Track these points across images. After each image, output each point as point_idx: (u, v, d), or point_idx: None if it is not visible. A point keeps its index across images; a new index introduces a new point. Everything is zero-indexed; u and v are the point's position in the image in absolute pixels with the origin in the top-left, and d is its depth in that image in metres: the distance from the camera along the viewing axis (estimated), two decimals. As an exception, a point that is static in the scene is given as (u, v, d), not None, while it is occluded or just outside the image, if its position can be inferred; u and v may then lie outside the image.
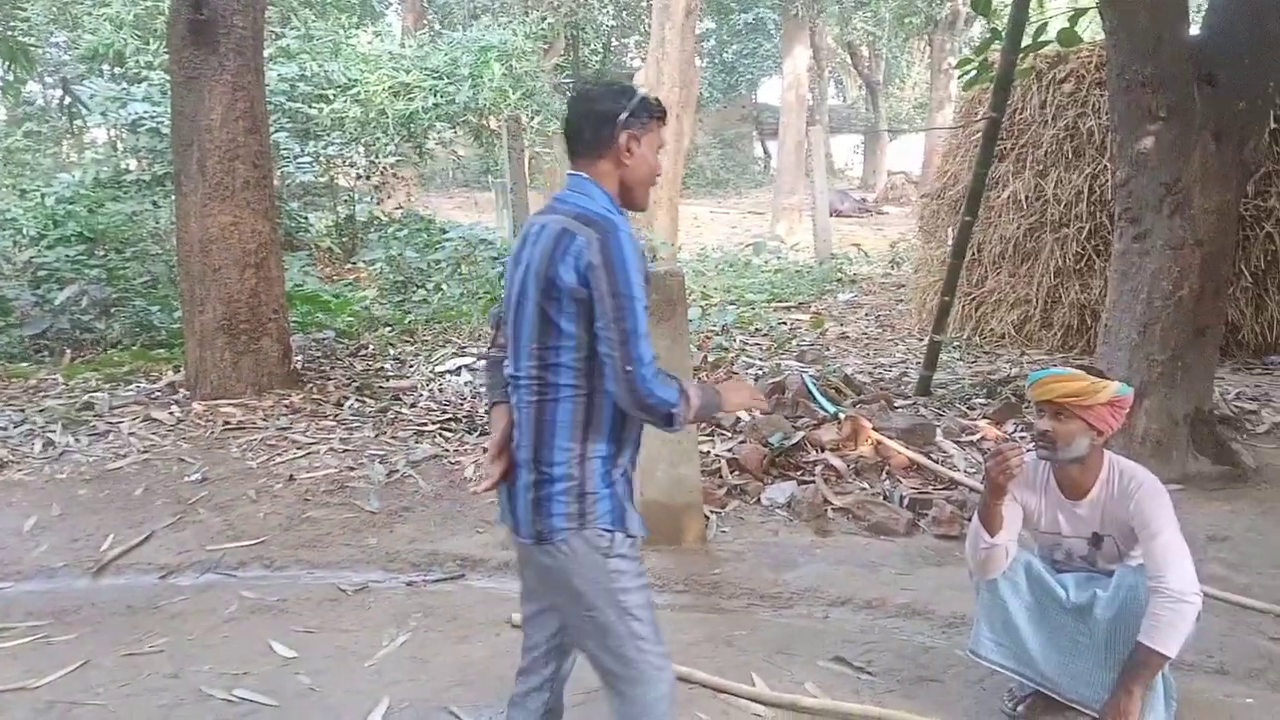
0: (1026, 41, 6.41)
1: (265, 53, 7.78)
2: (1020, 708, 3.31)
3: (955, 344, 8.94)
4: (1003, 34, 6.51)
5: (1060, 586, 3.16)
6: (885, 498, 5.27)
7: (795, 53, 23.59)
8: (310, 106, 13.53)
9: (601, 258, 2.22)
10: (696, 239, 19.78)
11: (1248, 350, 8.30)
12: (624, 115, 2.38)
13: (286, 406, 6.80)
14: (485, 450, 2.56)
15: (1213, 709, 3.35)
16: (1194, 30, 5.54)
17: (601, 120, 2.39)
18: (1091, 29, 7.08)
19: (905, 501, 5.19)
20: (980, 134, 7.17)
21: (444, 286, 10.96)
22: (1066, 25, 6.10)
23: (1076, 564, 3.24)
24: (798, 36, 23.78)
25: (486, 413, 2.55)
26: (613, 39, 30.78)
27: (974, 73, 6.57)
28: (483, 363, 8.06)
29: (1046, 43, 6.38)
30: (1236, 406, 6.87)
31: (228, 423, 6.46)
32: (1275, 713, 3.37)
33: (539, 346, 2.31)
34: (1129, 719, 2.90)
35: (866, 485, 5.42)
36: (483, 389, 2.61)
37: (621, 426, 2.36)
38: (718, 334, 9.44)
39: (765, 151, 38.58)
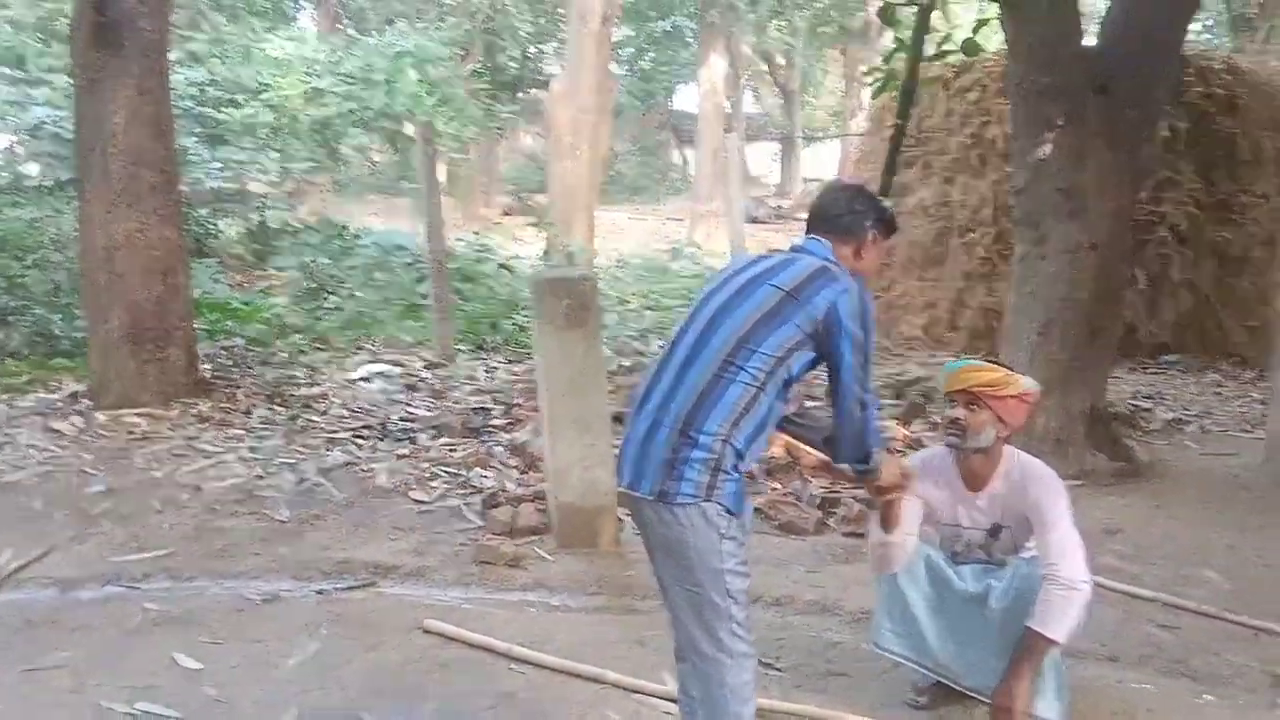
0: (932, 51, 6.57)
1: (173, 56, 7.63)
2: (923, 698, 3.39)
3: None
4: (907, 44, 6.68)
5: (957, 578, 3.25)
6: (796, 498, 5.35)
7: (712, 61, 23.82)
8: (220, 111, 13.28)
9: (860, 308, 2.53)
10: (615, 245, 19.81)
11: (1144, 351, 8.61)
12: (874, 217, 2.75)
13: (194, 416, 6.66)
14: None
15: (1105, 695, 3.47)
16: (1089, 41, 5.74)
17: (857, 214, 2.74)
18: (994, 39, 7.28)
19: (815, 501, 5.28)
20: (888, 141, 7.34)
21: (358, 293, 10.84)
22: (970, 35, 6.27)
23: (975, 555, 3.33)
24: (714, 45, 24.00)
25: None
26: (530, 46, 30.64)
27: (881, 81, 6.73)
28: (397, 369, 7.99)
29: (950, 52, 6.56)
30: (1132, 405, 7.13)
31: (132, 433, 6.31)
32: (1164, 697, 3.50)
33: (748, 332, 2.48)
34: (1017, 702, 3.00)
35: (778, 485, 5.50)
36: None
37: (758, 433, 2.51)
38: (635, 339, 9.49)
39: (684, 159, 38.77)
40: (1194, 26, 20.25)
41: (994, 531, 3.27)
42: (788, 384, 2.53)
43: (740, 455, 2.46)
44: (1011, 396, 3.12)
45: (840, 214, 2.73)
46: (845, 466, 2.73)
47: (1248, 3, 14.00)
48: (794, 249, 2.72)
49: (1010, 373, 3.18)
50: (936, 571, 3.27)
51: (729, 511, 2.45)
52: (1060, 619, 2.97)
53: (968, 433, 3.13)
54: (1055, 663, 3.15)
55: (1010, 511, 3.21)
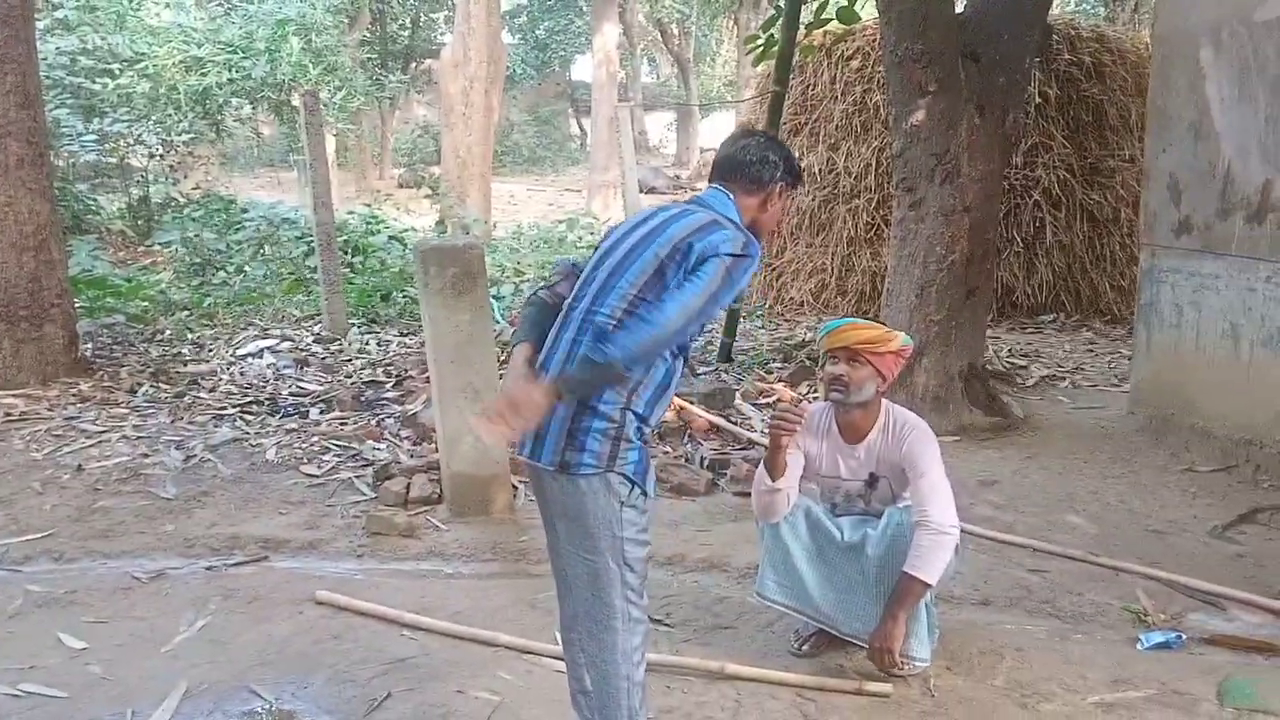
0: (810, 20, 6.67)
1: (42, 24, 7.34)
2: (805, 646, 3.52)
3: (759, 313, 9.28)
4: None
5: (836, 528, 3.39)
6: (687, 460, 5.46)
7: (605, 30, 23.70)
8: (94, 82, 12.81)
9: (743, 251, 2.44)
10: (513, 217, 19.69)
11: (1021, 311, 8.94)
12: (785, 167, 2.67)
13: (75, 395, 6.49)
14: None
15: (975, 636, 3.65)
16: (960, 9, 5.92)
17: (767, 165, 2.65)
18: (871, 7, 7.44)
19: (705, 463, 5.39)
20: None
21: (246, 268, 10.62)
22: (845, 3, 6.39)
23: (854, 505, 3.47)
24: (607, 13, 23.88)
25: (511, 347, 2.66)
26: (421, 14, 30.15)
27: (760, 48, 6.82)
28: (287, 344, 7.86)
29: (828, 20, 6.67)
30: (1009, 362, 7.41)
31: (9, 414, 6.12)
32: (1031, 636, 3.71)
33: (636, 295, 2.43)
34: (894, 643, 3.15)
35: (669, 449, 5.60)
36: (520, 322, 2.66)
37: (659, 397, 2.49)
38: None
39: (581, 129, 38.65)
40: (1071, -3, 20.90)
41: (871, 482, 3.41)
42: (683, 345, 2.51)
43: (643, 419, 2.46)
44: (890, 352, 3.27)
45: (752, 162, 2.64)
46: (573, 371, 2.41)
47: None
48: (691, 201, 2.66)
49: (888, 329, 3.33)
50: (816, 523, 3.40)
51: (630, 480, 2.45)
52: (932, 563, 3.13)
53: (850, 388, 3.25)
54: (927, 607, 3.31)
55: (886, 462, 3.36)
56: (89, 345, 7.54)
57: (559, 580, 2.63)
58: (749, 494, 4.94)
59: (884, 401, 3.38)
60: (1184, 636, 3.66)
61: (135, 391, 6.67)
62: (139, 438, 5.83)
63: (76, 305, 7.52)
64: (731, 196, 2.62)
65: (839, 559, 3.38)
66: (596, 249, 2.64)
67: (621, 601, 2.49)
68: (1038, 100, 8.57)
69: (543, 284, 2.69)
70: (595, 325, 2.44)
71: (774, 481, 3.31)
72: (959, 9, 5.88)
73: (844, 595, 3.38)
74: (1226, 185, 5.31)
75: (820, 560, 3.40)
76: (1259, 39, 5.09)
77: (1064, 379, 7.18)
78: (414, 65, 29.98)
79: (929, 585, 3.16)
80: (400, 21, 29.21)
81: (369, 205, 14.68)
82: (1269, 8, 5.02)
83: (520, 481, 5.17)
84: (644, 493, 2.50)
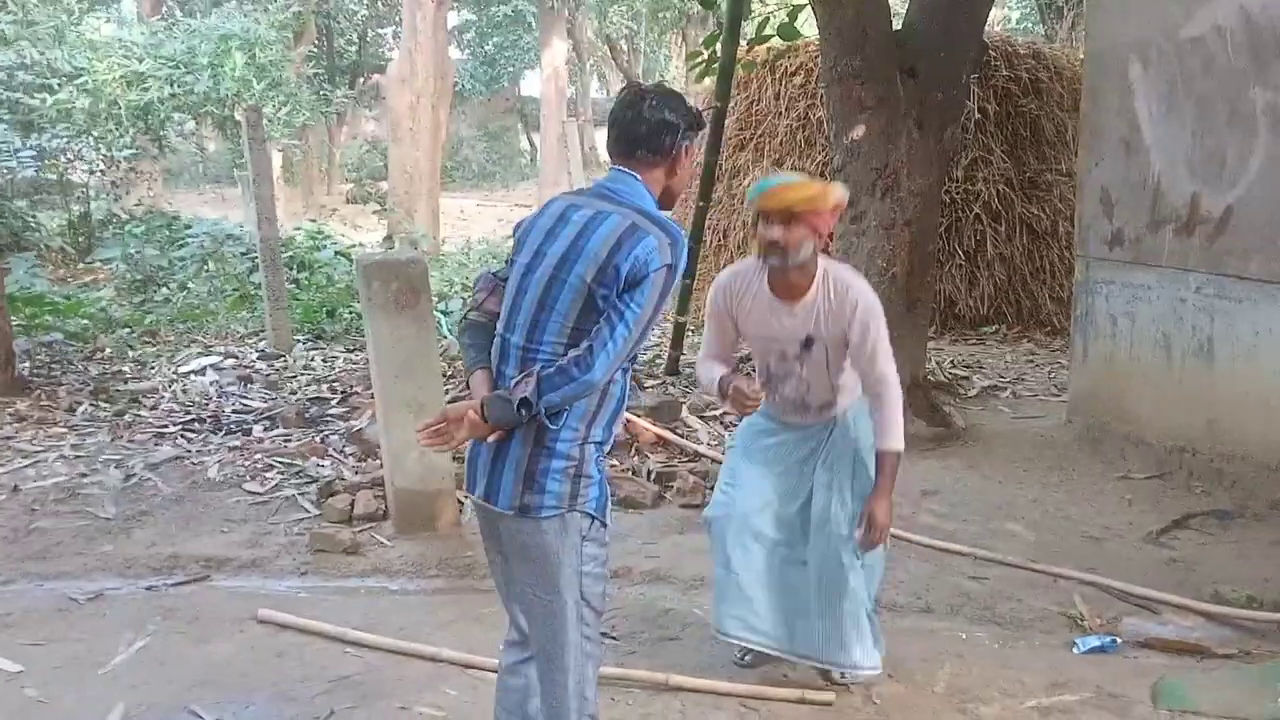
0: (752, 36, 6.75)
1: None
2: (748, 657, 3.55)
3: (706, 326, 9.31)
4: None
5: (774, 528, 3.39)
6: (634, 473, 5.48)
7: (553, 45, 23.79)
8: (32, 97, 12.63)
9: (671, 260, 2.30)
10: (463, 232, 19.63)
11: (964, 323, 9.07)
12: (685, 125, 2.43)
13: (11, 414, 6.36)
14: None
15: (916, 643, 3.73)
16: (898, 26, 6.02)
17: (667, 129, 2.40)
18: (813, 24, 7.55)
19: (652, 475, 5.42)
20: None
21: (189, 284, 10.50)
22: (787, 20, 6.47)
23: (790, 369, 3.29)
24: (555, 29, 23.98)
25: (467, 378, 2.52)
26: (368, 30, 30.02)
27: (702, 65, 6.89)
28: (231, 361, 7.79)
29: (769, 37, 6.75)
30: (952, 373, 7.52)
31: (-59, 436, 6.01)
32: (971, 642, 3.78)
33: (574, 327, 2.31)
34: (886, 517, 3.17)
35: (616, 462, 5.61)
36: (464, 351, 2.52)
37: (615, 416, 2.42)
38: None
39: (531, 144, 38.62)
40: (1013, 15, 21.26)
41: (807, 343, 3.24)
42: (632, 359, 2.40)
43: (602, 443, 2.41)
44: (829, 208, 3.09)
45: (651, 132, 2.39)
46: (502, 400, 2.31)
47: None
48: (600, 191, 2.44)
49: (825, 184, 3.17)
50: (761, 535, 3.39)
51: (591, 515, 2.39)
52: (897, 430, 3.18)
53: (789, 251, 3.06)
54: (869, 614, 3.33)
55: (826, 324, 3.19)
56: (26, 364, 7.40)
57: (510, 613, 2.60)
58: (695, 506, 5.02)
59: (820, 258, 3.20)
60: (1119, 640, 3.74)
61: (74, 410, 6.56)
62: (77, 457, 5.74)
63: (13, 323, 7.39)
64: (638, 176, 2.42)
65: (783, 574, 3.36)
66: (512, 260, 2.47)
67: (577, 637, 2.44)
68: (977, 116, 8.73)
69: (470, 306, 2.60)
70: (538, 363, 2.31)
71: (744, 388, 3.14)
72: (896, 26, 5.96)
73: (794, 618, 3.36)
74: (1156, 198, 5.45)
75: (770, 581, 3.37)
76: (1185, 56, 5.23)
77: (1005, 389, 7.30)
78: (361, 81, 29.82)
79: (900, 451, 3.19)
80: (347, 37, 29.06)
81: (315, 221, 14.58)
82: (1194, 25, 5.17)
83: (466, 497, 5.15)
84: (604, 524, 2.44)
